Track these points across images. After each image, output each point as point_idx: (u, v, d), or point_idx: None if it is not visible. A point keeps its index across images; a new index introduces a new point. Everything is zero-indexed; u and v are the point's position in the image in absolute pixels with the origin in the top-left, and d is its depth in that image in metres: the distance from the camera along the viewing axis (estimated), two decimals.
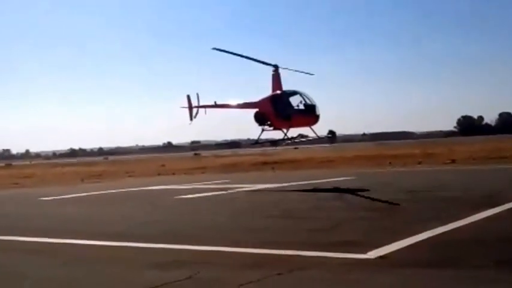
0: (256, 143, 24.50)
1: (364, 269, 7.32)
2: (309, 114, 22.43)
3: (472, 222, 10.62)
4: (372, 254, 7.99)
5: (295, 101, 22.67)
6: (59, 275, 7.95)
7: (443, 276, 6.76)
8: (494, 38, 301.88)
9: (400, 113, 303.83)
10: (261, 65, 23.41)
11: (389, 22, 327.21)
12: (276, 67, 23.32)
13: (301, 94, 22.65)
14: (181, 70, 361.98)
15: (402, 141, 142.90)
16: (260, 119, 23.15)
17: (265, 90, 23.78)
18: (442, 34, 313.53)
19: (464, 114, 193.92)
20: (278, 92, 23.15)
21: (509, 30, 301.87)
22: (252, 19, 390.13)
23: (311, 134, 23.59)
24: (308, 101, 22.48)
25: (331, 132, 23.88)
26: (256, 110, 23.27)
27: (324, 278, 6.97)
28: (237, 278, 7.00)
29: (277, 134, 24.01)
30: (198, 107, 25.12)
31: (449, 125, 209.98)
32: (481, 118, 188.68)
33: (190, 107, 25.31)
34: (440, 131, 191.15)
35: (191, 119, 25.42)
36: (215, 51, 23.55)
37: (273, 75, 23.40)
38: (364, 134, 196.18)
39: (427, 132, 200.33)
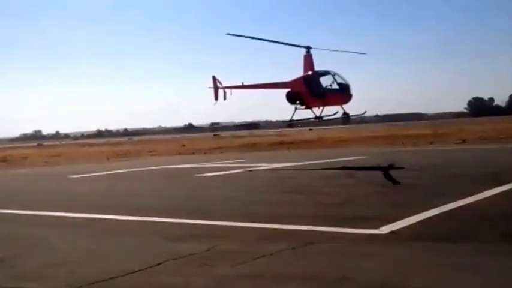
0: (291, 121, 24.64)
1: (377, 243, 7.48)
2: (342, 93, 22.74)
3: (480, 199, 10.81)
4: (384, 229, 8.17)
5: (327, 80, 22.97)
6: (83, 246, 8.29)
7: (452, 249, 6.95)
8: (505, 20, 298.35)
9: (412, 95, 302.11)
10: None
11: (407, 5, 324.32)
12: (308, 48, 23.58)
13: (333, 74, 22.95)
14: (203, 54, 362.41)
15: (414, 122, 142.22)
16: (293, 98, 23.42)
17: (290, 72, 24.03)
18: (452, 17, 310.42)
19: (475, 95, 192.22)
20: (310, 72, 23.44)
21: None
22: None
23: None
24: (341, 81, 22.80)
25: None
26: (289, 90, 23.53)
27: (338, 251, 7.12)
28: (253, 252, 7.20)
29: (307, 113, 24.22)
30: (225, 87, 25.20)
31: (460, 106, 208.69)
32: (491, 99, 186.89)
33: (216, 88, 25.52)
34: (451, 113, 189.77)
35: (216, 99, 25.52)
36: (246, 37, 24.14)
37: (304, 56, 23.65)
38: (376, 116, 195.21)
39: (438, 113, 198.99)
